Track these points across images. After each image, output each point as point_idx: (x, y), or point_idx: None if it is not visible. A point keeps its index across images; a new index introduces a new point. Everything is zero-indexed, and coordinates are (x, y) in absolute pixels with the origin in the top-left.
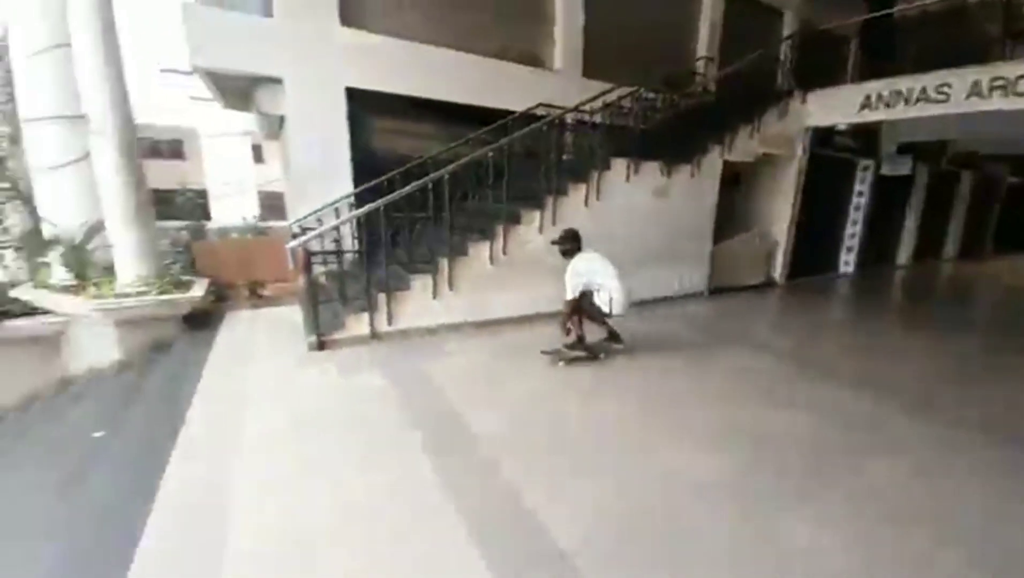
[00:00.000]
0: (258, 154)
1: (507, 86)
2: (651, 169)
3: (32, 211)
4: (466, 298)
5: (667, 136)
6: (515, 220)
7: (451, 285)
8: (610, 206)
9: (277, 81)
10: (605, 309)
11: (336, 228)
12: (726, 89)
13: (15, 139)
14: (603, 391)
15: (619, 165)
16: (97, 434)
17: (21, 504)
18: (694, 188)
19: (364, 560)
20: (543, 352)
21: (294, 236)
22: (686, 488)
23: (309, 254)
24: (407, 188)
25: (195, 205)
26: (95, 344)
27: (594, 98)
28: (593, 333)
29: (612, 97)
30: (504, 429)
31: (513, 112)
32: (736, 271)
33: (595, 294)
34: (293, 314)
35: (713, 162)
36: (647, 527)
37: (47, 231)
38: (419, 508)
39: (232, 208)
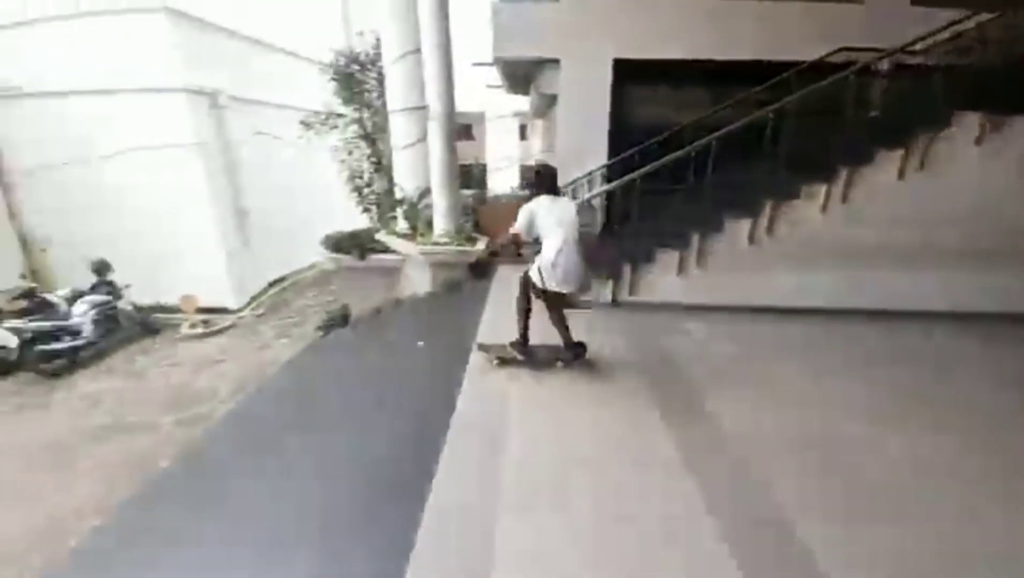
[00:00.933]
0: (522, 133)
1: (793, 31)
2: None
3: (390, 178)
4: (713, 279)
5: None
6: (791, 195)
7: (699, 263)
8: (940, 180)
9: (555, 62)
10: (537, 281)
11: (591, 198)
12: None
13: (382, 126)
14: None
15: (967, 123)
16: (420, 344)
17: (375, 385)
18: None
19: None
20: (480, 346)
21: None
22: None
23: None
24: (665, 159)
25: (480, 176)
26: (418, 277)
27: (939, 30)
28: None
29: (965, 27)
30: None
31: (795, 63)
32: None
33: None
34: None
35: None
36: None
37: (397, 193)
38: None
39: (502, 179)
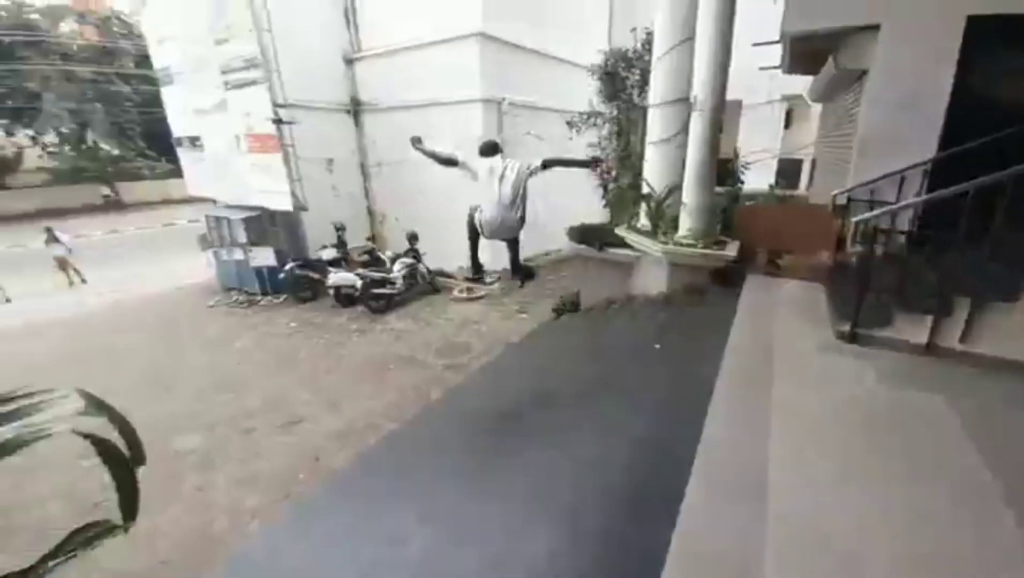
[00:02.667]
0: (787, 120)
1: None
2: None
3: (636, 174)
4: None
5: None
6: None
7: None
8: None
9: (871, 29)
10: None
11: (910, 204)
12: None
13: (636, 122)
14: None
15: None
16: (656, 346)
17: (606, 373)
18: None
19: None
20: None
21: (837, 207)
22: None
23: (876, 232)
24: None
25: (733, 172)
26: (654, 277)
27: None
28: None
29: None
30: None
31: None
32: None
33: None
34: (809, 292)
35: None
36: None
37: (644, 188)
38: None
39: (757, 174)
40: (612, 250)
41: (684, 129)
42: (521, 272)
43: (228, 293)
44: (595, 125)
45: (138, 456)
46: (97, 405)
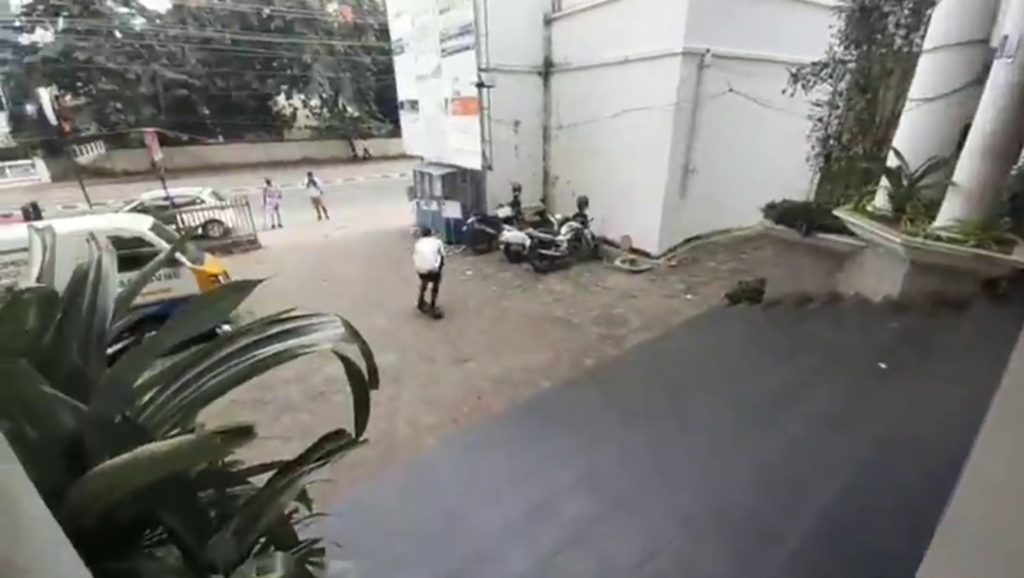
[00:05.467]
0: None
1: None
2: None
3: (876, 142)
4: None
5: None
6: None
7: None
8: None
9: None
10: None
11: None
12: None
13: (889, 72)
14: None
15: None
16: (882, 365)
17: (795, 392)
18: None
19: None
20: None
21: None
22: None
23: None
24: None
25: None
26: (883, 276)
27: None
28: None
29: None
30: None
31: None
32: None
33: None
34: None
35: None
36: None
37: (890, 161)
38: None
39: None
40: (823, 235)
41: (974, 83)
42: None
43: None
44: (830, 78)
45: (373, 381)
46: (353, 334)
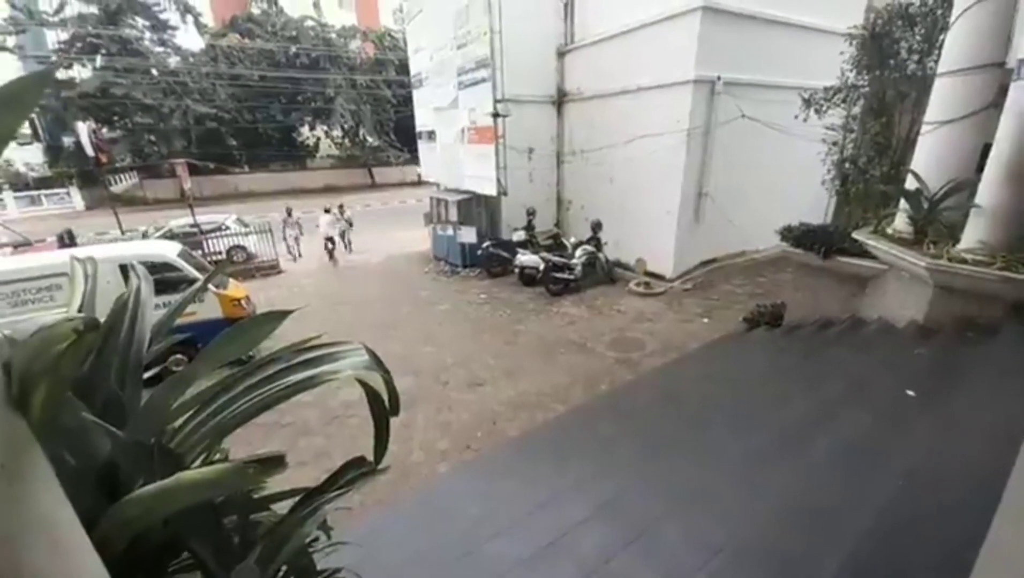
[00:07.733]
0: None
1: None
2: None
3: (893, 164)
4: None
5: None
6: None
7: None
8: None
9: None
10: None
11: None
12: None
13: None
14: None
15: None
16: (910, 393)
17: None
18: None
19: None
20: None
21: None
22: None
23: None
24: None
25: None
26: (906, 299)
27: None
28: None
29: None
30: None
31: None
32: None
33: None
34: None
35: None
36: None
37: (908, 183)
38: None
39: None
40: (842, 259)
41: (991, 105)
42: None
43: (437, 262)
44: (843, 102)
45: (394, 408)
46: (376, 362)
